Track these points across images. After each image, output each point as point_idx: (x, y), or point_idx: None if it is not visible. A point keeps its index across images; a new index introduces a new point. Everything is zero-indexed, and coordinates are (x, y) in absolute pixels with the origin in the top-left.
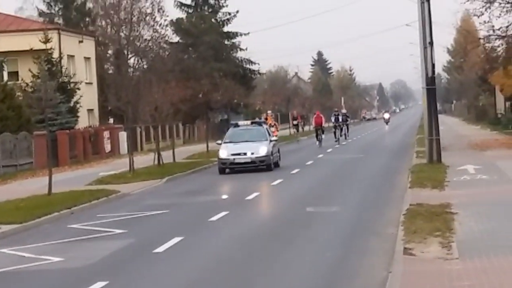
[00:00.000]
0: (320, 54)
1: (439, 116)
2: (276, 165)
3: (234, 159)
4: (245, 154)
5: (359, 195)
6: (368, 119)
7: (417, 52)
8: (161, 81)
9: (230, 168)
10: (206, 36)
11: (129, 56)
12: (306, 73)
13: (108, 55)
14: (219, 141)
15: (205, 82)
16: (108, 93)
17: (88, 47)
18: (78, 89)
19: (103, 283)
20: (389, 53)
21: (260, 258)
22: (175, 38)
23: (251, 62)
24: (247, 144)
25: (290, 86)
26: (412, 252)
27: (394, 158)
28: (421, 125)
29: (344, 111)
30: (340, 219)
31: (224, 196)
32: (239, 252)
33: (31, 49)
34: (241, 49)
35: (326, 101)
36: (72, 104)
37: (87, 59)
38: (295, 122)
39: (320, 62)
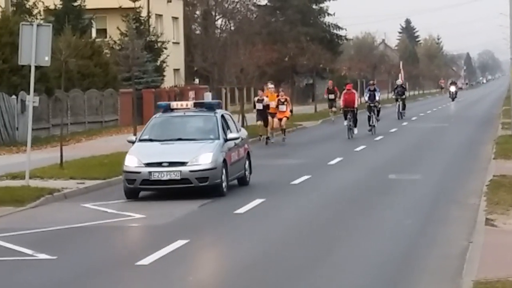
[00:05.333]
0: (408, 21)
1: None
2: (243, 182)
3: (150, 172)
4: (170, 164)
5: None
6: None
7: (507, 23)
8: (248, 43)
9: (143, 189)
10: (294, 0)
11: (217, 17)
12: (393, 40)
13: (195, 15)
14: (132, 138)
15: (291, 46)
16: (195, 53)
17: (176, 7)
18: (165, 48)
19: (184, 241)
20: (478, 23)
21: (340, 223)
22: (263, 1)
23: (338, 28)
24: (178, 145)
25: (377, 53)
26: (494, 223)
27: (479, 129)
28: (508, 96)
29: (400, 81)
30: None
31: (307, 160)
32: (319, 216)
33: (120, 7)
34: (328, 14)
35: (412, 69)
36: (158, 63)
37: (175, 19)
38: (331, 96)
39: (408, 30)
